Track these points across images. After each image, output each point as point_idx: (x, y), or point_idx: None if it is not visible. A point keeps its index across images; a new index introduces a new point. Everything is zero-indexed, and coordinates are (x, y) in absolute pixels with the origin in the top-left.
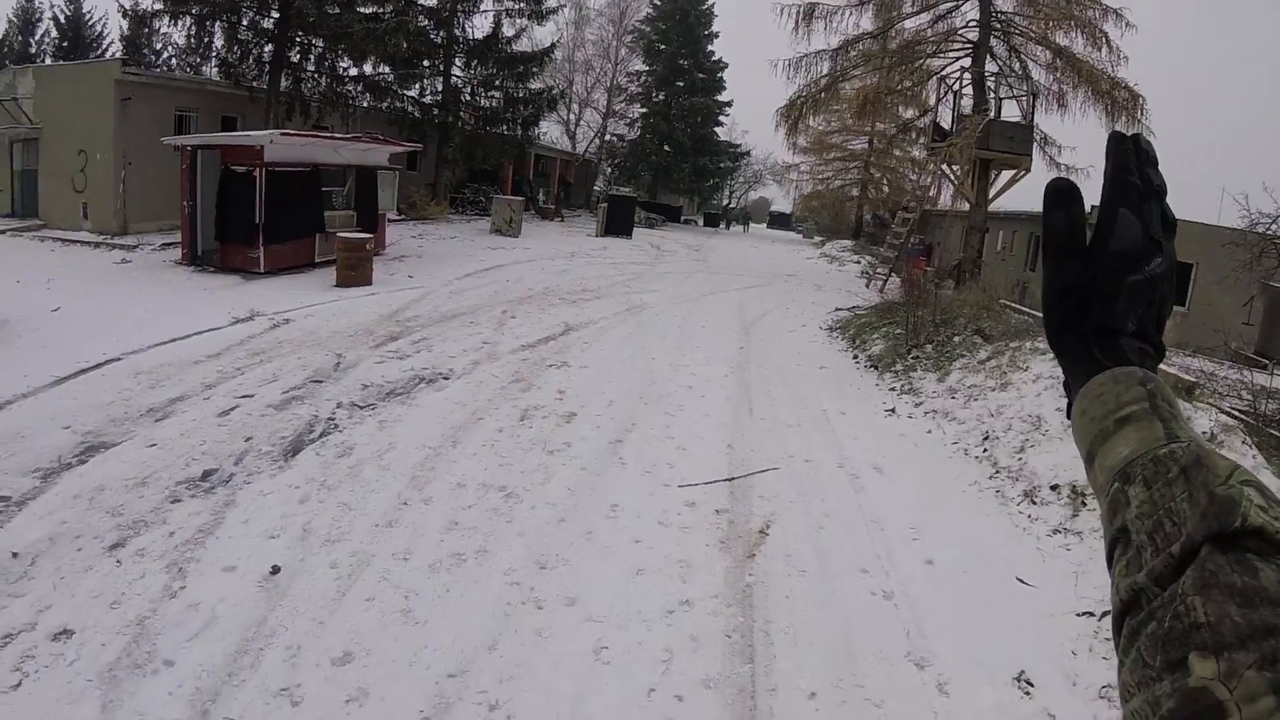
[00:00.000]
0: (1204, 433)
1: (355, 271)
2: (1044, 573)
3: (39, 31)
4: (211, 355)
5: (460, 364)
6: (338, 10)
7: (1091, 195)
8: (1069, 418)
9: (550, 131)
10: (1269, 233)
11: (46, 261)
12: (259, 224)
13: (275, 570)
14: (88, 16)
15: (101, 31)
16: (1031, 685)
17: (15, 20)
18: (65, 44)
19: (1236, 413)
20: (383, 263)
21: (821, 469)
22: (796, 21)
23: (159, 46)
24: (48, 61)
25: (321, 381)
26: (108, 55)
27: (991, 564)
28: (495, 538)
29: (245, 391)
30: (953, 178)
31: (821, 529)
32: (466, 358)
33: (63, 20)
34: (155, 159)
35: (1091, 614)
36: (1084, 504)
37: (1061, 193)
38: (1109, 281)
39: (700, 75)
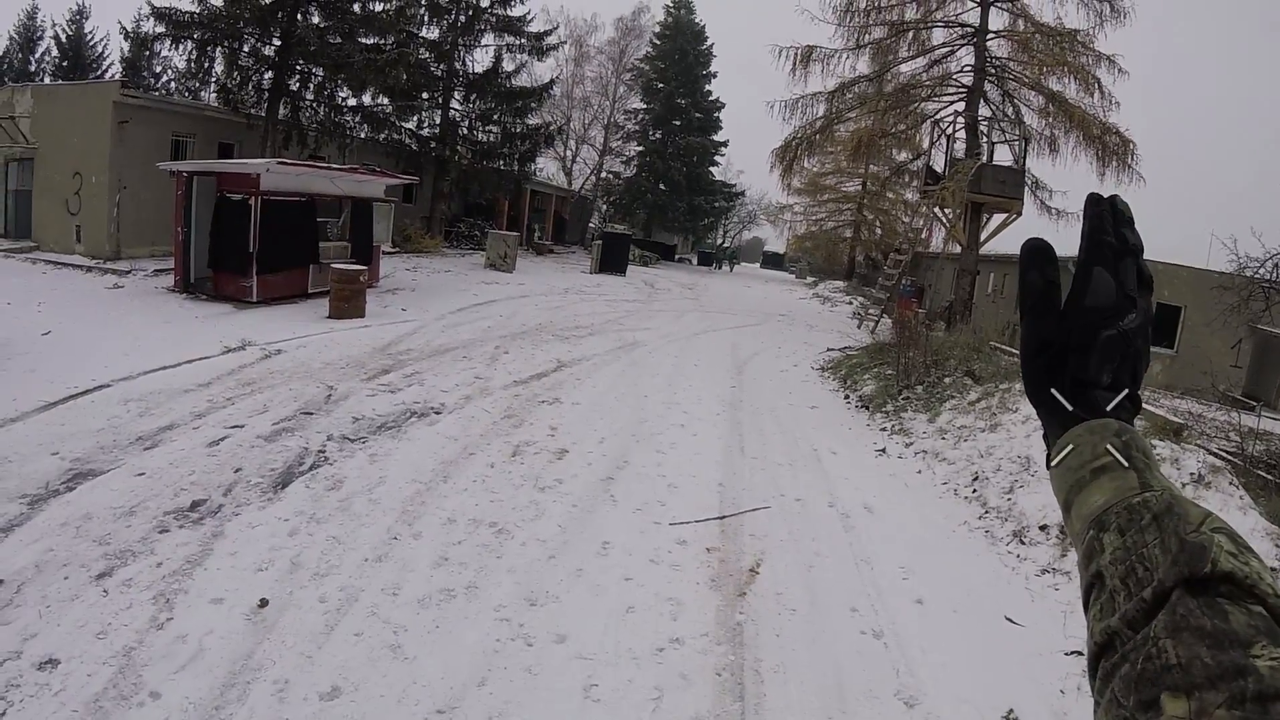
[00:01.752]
0: (1192, 474)
1: (348, 303)
2: (1033, 612)
3: (40, 50)
4: (202, 384)
5: (452, 398)
6: (339, 40)
7: (1067, 239)
8: (1048, 467)
9: (546, 167)
10: (1257, 276)
11: (38, 284)
12: (253, 253)
13: (263, 603)
14: (89, 37)
15: (102, 52)
16: None
17: (17, 38)
18: (65, 63)
19: (1224, 454)
20: (376, 295)
21: (813, 508)
22: (794, 64)
23: (159, 70)
24: (47, 80)
25: (312, 413)
26: (107, 76)
27: (981, 603)
28: (485, 574)
29: (235, 422)
30: (945, 221)
31: (812, 568)
32: (459, 392)
33: (64, 40)
34: (151, 183)
35: (1080, 653)
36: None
37: (1036, 252)
38: (1084, 336)
39: (697, 115)
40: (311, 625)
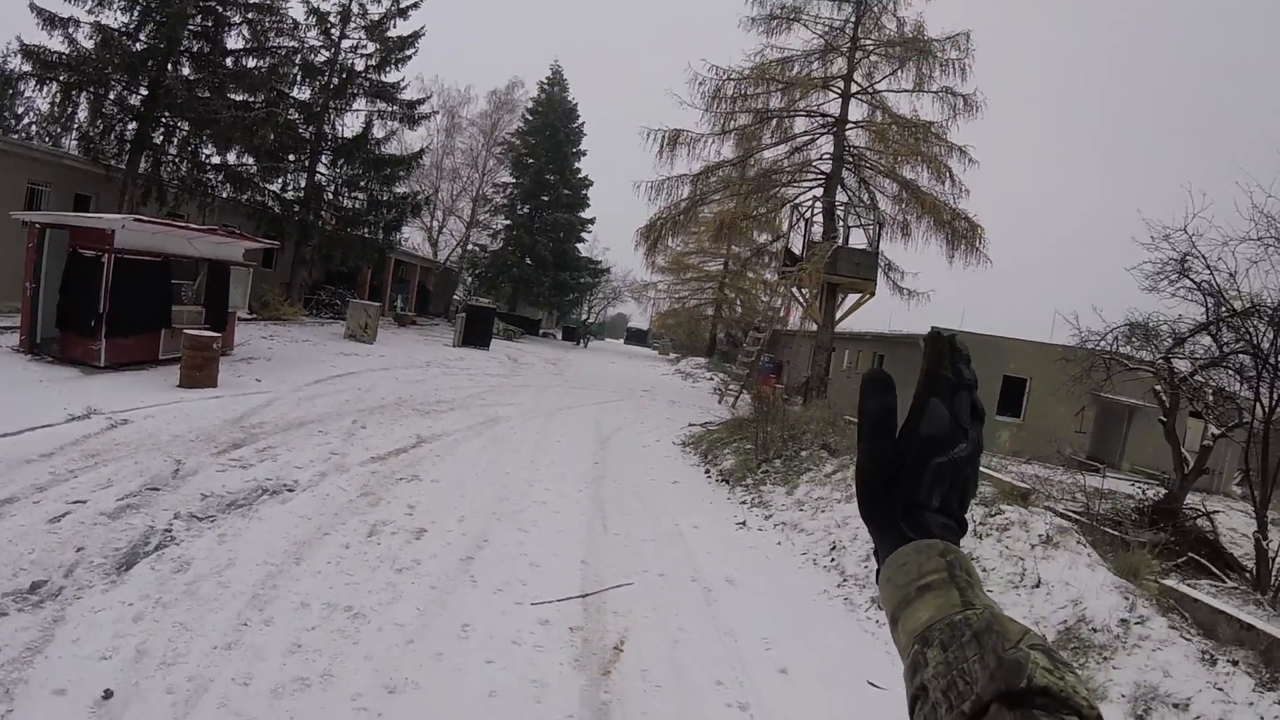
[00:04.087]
0: (1040, 535)
1: (200, 372)
2: (895, 675)
3: None
4: (44, 454)
5: (306, 475)
6: (208, 95)
7: (931, 314)
8: (876, 582)
9: (412, 237)
10: (1098, 349)
11: None
12: (103, 313)
13: (108, 695)
14: None
15: None
16: None
17: None
18: None
19: (1071, 514)
20: (230, 364)
21: (675, 583)
22: (662, 145)
23: (20, 110)
24: None
25: (159, 489)
26: None
27: (844, 669)
28: (341, 660)
29: (78, 496)
30: (802, 300)
31: (677, 643)
32: (313, 468)
33: None
34: (1, 232)
35: None
36: None
37: (876, 382)
38: (917, 462)
39: (566, 191)
40: (158, 718)
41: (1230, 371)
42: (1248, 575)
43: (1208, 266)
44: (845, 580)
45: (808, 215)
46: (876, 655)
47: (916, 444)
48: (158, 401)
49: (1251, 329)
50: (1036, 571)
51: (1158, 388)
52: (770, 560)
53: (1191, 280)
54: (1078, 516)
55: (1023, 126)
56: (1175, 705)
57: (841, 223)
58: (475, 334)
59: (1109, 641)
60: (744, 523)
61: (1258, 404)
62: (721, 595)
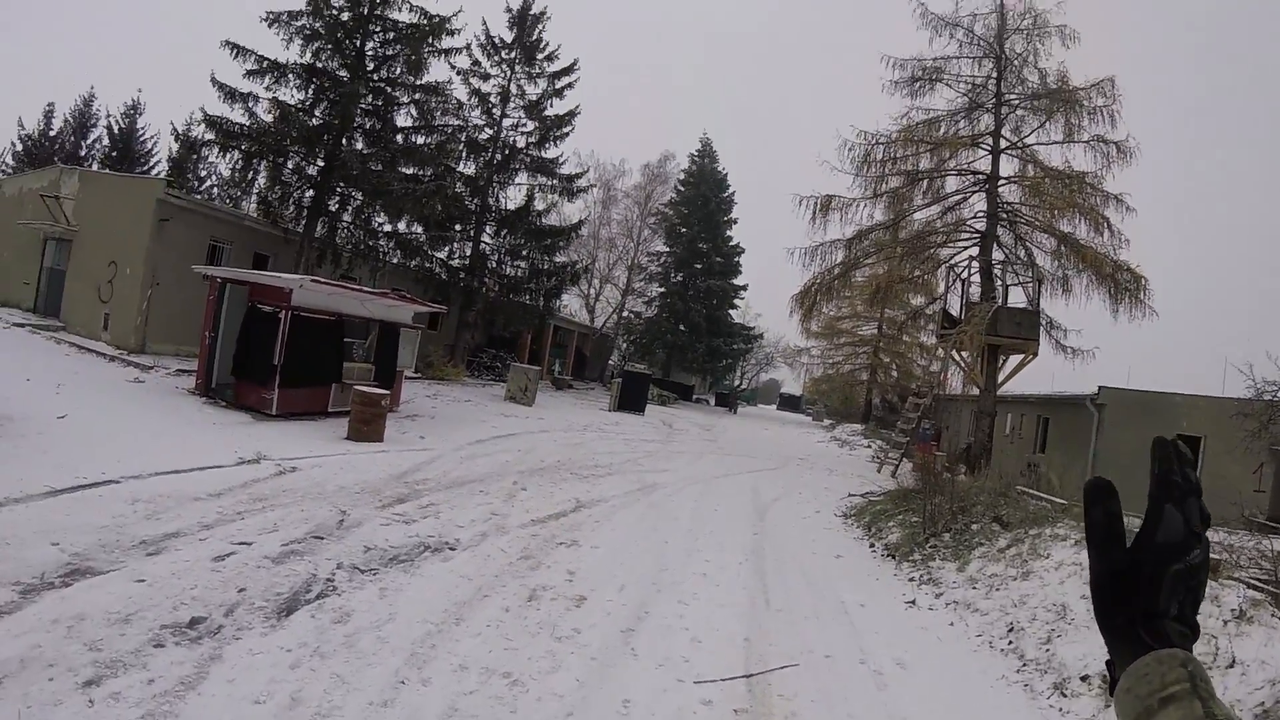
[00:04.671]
0: (1232, 610)
1: (368, 426)
2: None
3: (92, 136)
4: (212, 494)
5: (468, 534)
6: (380, 167)
7: (1096, 373)
8: (1111, 694)
9: (570, 304)
10: (1276, 399)
11: (60, 365)
12: (277, 365)
13: None
14: (141, 132)
15: (152, 148)
16: None
17: (71, 121)
18: (115, 153)
19: (1258, 583)
20: (395, 420)
21: (842, 664)
22: (814, 212)
23: (204, 173)
24: (95, 167)
25: (323, 538)
26: (154, 172)
27: None
28: None
29: (243, 538)
30: (962, 363)
31: None
32: (475, 528)
33: (116, 131)
34: (184, 283)
35: None
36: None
37: (1099, 490)
38: (1154, 569)
39: (718, 259)
40: None
41: None
42: None
43: None
44: (1025, 664)
45: (964, 276)
46: None
47: (1153, 552)
48: (326, 452)
49: None
50: (1230, 650)
51: None
52: (942, 642)
53: None
54: (1266, 587)
55: (1181, 162)
56: None
57: (999, 282)
58: (630, 399)
59: None
60: (913, 601)
61: None
62: (892, 680)
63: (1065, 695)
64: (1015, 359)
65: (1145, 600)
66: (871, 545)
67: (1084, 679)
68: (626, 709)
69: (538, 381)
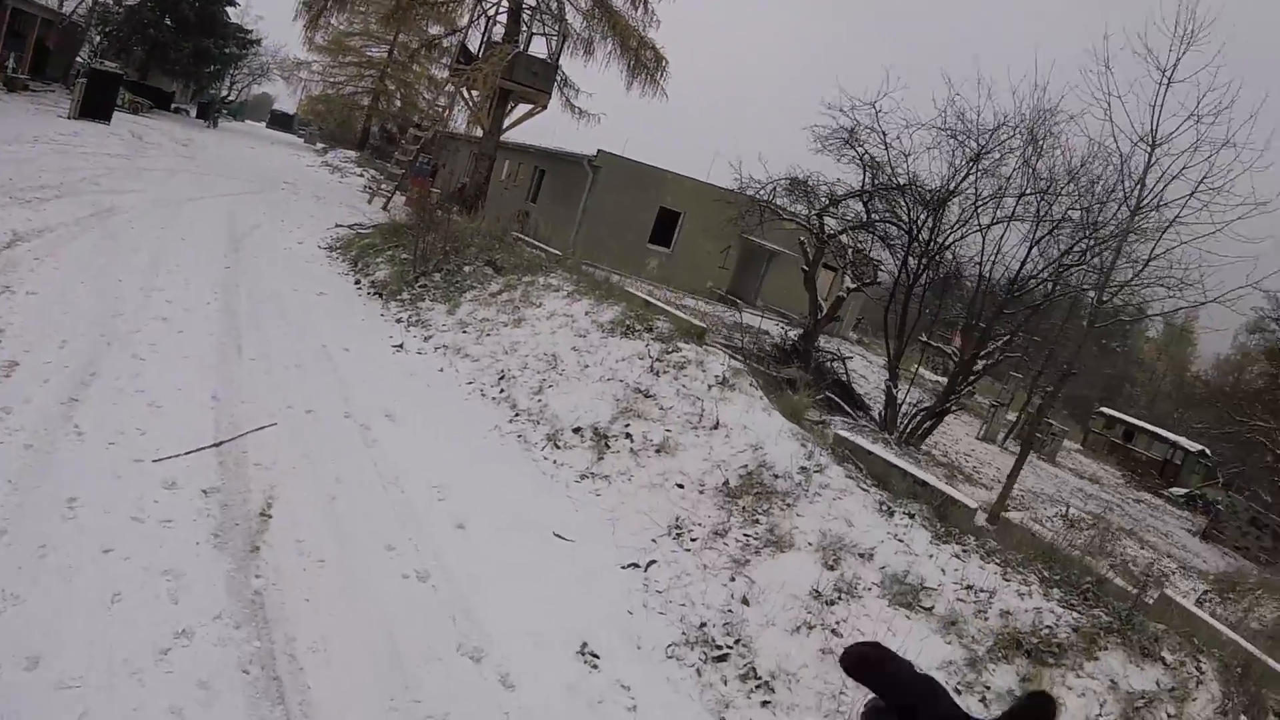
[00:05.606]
0: (717, 376)
1: None
2: (579, 523)
3: None
4: None
5: None
6: None
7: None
8: None
9: None
10: (757, 196)
11: None
12: None
13: None
14: None
15: None
16: (597, 656)
17: None
18: None
19: (728, 348)
20: None
21: (327, 420)
22: None
23: None
24: None
25: None
26: None
27: (525, 519)
28: None
29: None
30: (470, 102)
31: (335, 499)
32: None
33: None
34: None
35: (636, 565)
36: (608, 446)
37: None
38: None
39: None
40: None
41: (875, 236)
42: (874, 415)
43: (884, 141)
44: (518, 414)
45: (491, 13)
46: (558, 501)
47: None
48: None
49: (906, 203)
50: (715, 413)
51: (803, 239)
52: (433, 389)
53: (856, 150)
54: (731, 351)
55: None
56: (861, 555)
57: (525, 28)
58: (95, 105)
59: (791, 489)
60: (401, 345)
61: (903, 271)
62: (381, 434)
63: (559, 447)
64: (524, 108)
65: None
66: (358, 282)
67: (576, 430)
68: (73, 509)
69: None
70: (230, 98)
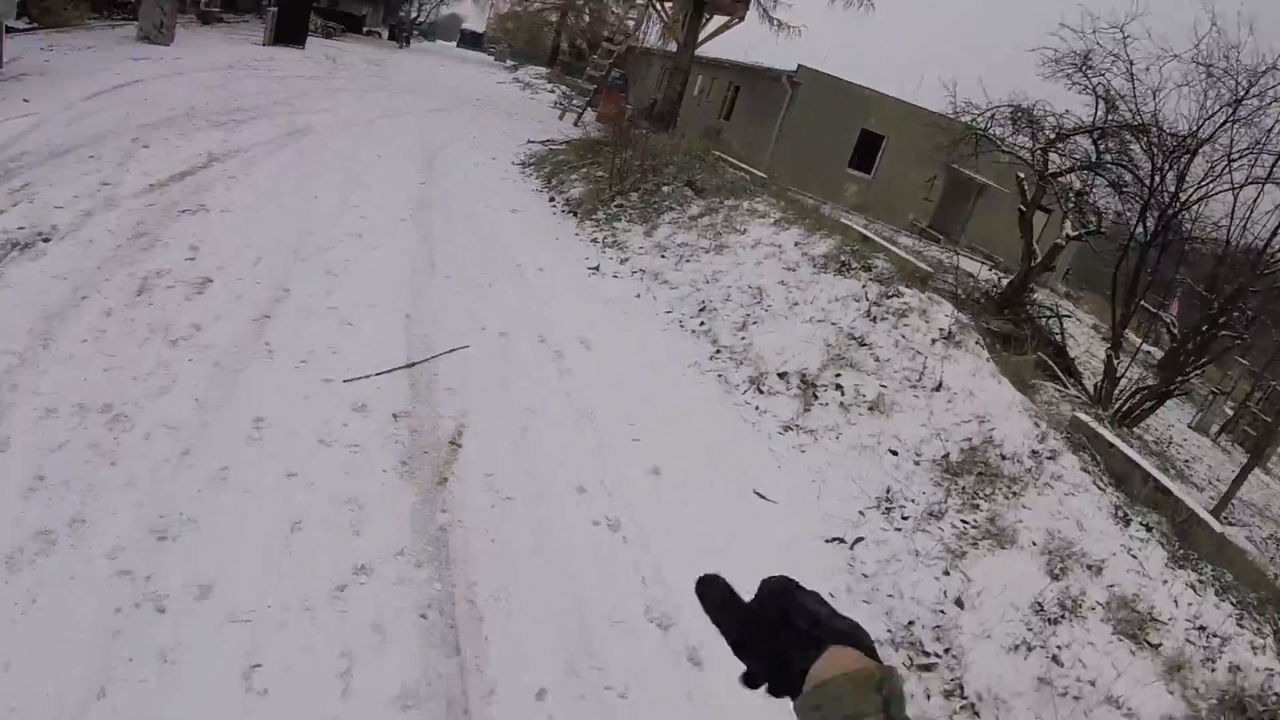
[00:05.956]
0: (941, 330)
1: None
2: (782, 482)
3: None
4: None
5: (68, 216)
6: None
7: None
8: (748, 686)
9: None
10: (974, 124)
11: None
12: None
13: None
14: None
15: None
16: None
17: None
18: None
19: (962, 299)
20: None
21: (520, 345)
22: None
23: None
24: None
25: None
26: None
27: (723, 470)
28: (95, 495)
29: None
30: (664, 15)
31: (526, 430)
32: (78, 206)
33: None
34: None
35: (842, 540)
36: (815, 397)
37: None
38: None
39: None
40: None
41: (1106, 182)
42: (1086, 386)
43: (1129, 70)
44: (719, 351)
45: None
46: (759, 453)
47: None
48: None
49: (1148, 146)
50: (939, 372)
51: (1022, 175)
52: (629, 316)
53: (1091, 80)
54: (965, 301)
55: None
56: (1089, 567)
57: None
58: (288, 30)
59: (1020, 474)
60: (597, 267)
61: (1140, 224)
62: (575, 362)
63: (762, 392)
64: (720, 20)
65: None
66: (551, 200)
67: (782, 375)
68: (259, 431)
69: (176, 15)
70: (420, 20)
